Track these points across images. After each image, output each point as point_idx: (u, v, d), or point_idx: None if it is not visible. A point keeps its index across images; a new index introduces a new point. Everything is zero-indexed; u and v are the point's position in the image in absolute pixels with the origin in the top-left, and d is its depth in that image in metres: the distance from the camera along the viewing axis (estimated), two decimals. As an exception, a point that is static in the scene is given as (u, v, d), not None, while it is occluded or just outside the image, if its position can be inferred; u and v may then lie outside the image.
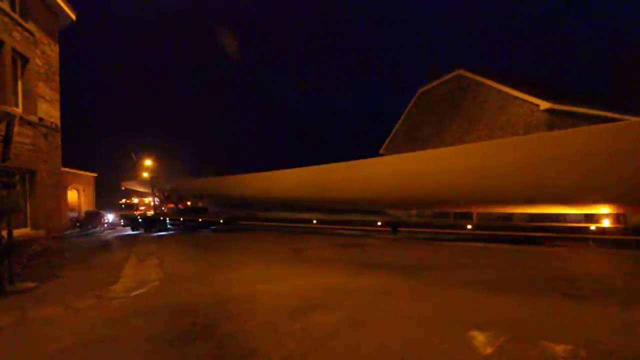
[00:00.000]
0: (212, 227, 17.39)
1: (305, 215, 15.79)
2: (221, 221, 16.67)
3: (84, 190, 28.78)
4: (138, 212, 23.78)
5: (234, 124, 76.27)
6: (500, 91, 14.64)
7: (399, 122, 21.36)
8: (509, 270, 6.48)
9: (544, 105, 12.69)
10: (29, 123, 7.93)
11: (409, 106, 20.65)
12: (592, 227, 8.62)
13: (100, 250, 11.86)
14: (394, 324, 3.88)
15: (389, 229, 11.52)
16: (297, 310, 4.48)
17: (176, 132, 64.16)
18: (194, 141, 66.34)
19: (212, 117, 78.70)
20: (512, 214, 13.49)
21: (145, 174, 28.73)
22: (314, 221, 13.49)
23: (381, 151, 22.25)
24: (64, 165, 10.70)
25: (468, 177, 8.86)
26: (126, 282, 6.62)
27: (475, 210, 11.00)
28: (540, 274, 5.95)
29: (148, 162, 30.44)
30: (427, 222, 13.07)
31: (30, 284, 6.35)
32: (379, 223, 11.90)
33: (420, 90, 19.78)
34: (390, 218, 14.97)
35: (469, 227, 10.02)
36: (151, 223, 19.01)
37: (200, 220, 18.18)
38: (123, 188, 29.14)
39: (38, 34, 8.45)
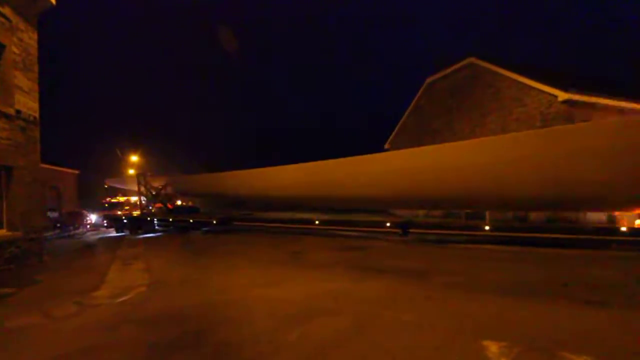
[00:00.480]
0: (205, 229, 17.35)
1: (306, 216, 15.76)
2: (214, 222, 16.63)
3: (65, 189, 28.82)
4: (123, 212, 23.83)
5: (231, 122, 76.34)
6: (515, 81, 14.57)
7: (406, 114, 21.32)
8: (525, 274, 6.46)
9: (562, 96, 12.63)
10: (5, 116, 7.90)
11: (416, 97, 20.58)
12: (621, 228, 8.61)
13: (82, 253, 11.86)
14: (400, 333, 3.86)
15: (398, 230, 11.47)
16: (295, 317, 4.47)
17: (167, 129, 64.26)
18: (188, 139, 66.51)
19: (207, 114, 78.79)
20: (527, 214, 13.49)
21: (132, 171, 28.72)
22: (316, 222, 13.46)
23: (386, 146, 22.25)
24: (44, 162, 10.66)
25: (483, 173, 8.76)
26: (110, 287, 6.61)
27: (489, 209, 10.96)
28: (559, 279, 5.93)
29: (134, 159, 30.41)
30: (439, 223, 13.04)
31: (7, 290, 6.35)
32: (388, 224, 11.85)
33: (428, 81, 19.68)
34: (398, 218, 14.95)
35: (487, 227, 9.97)
36: (137, 224, 18.98)
37: (191, 220, 18.12)
38: (107, 186, 29.19)
39: (14, 20, 8.40)
